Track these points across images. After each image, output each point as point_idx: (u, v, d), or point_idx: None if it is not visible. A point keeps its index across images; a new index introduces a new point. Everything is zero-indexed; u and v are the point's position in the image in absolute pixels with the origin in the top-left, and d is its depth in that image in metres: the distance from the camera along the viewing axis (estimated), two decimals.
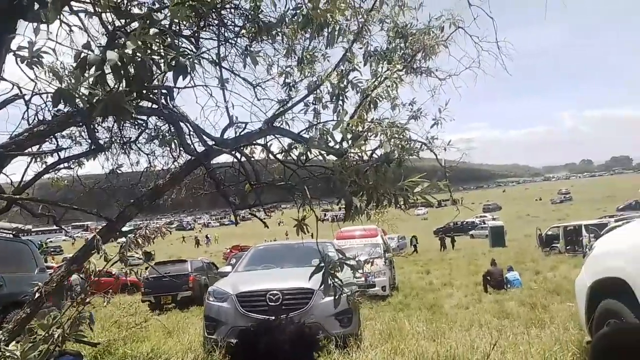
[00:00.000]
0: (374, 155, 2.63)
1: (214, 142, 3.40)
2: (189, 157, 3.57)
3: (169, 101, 3.66)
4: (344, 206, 2.44)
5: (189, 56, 2.32)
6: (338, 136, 3.04)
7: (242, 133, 3.43)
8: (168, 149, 5.31)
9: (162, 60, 2.33)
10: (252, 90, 4.10)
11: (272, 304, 6.02)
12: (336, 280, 2.69)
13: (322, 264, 2.62)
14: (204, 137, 3.43)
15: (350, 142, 2.58)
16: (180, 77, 2.31)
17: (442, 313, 10.07)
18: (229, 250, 36.07)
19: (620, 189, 76.53)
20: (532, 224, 46.17)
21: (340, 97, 3.44)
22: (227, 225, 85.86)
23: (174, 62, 2.23)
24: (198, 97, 4.05)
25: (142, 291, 16.55)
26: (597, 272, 3.97)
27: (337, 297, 2.76)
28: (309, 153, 2.58)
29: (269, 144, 3.67)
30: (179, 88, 3.66)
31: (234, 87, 4.62)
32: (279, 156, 3.49)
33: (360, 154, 2.61)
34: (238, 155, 3.55)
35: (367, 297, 13.24)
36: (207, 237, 59.60)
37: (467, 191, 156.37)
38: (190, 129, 3.55)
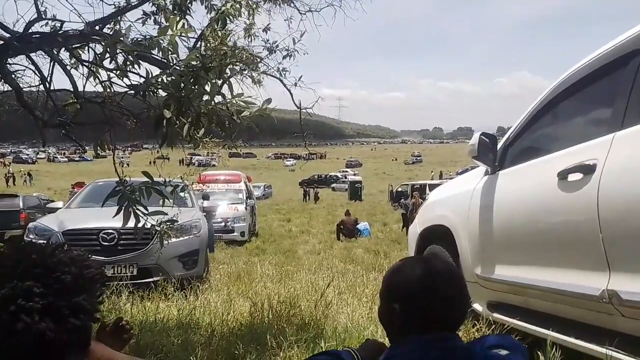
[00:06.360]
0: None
1: (10, 36, 2.68)
2: None
3: None
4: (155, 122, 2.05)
5: None
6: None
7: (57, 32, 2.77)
8: None
9: None
10: None
11: (106, 243, 5.43)
12: (138, 207, 2.35)
13: (119, 187, 2.25)
14: None
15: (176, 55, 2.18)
16: None
17: (295, 258, 10.35)
18: (72, 187, 32.31)
19: (463, 156, 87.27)
20: (386, 180, 50.85)
21: (184, 8, 2.98)
22: (78, 161, 77.38)
23: None
24: None
25: None
26: (426, 220, 4.26)
27: (137, 227, 2.44)
28: (129, 65, 2.10)
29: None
30: None
31: None
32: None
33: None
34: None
35: (225, 242, 13.12)
36: (28, 174, 49.58)
37: (334, 147, 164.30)
38: None
